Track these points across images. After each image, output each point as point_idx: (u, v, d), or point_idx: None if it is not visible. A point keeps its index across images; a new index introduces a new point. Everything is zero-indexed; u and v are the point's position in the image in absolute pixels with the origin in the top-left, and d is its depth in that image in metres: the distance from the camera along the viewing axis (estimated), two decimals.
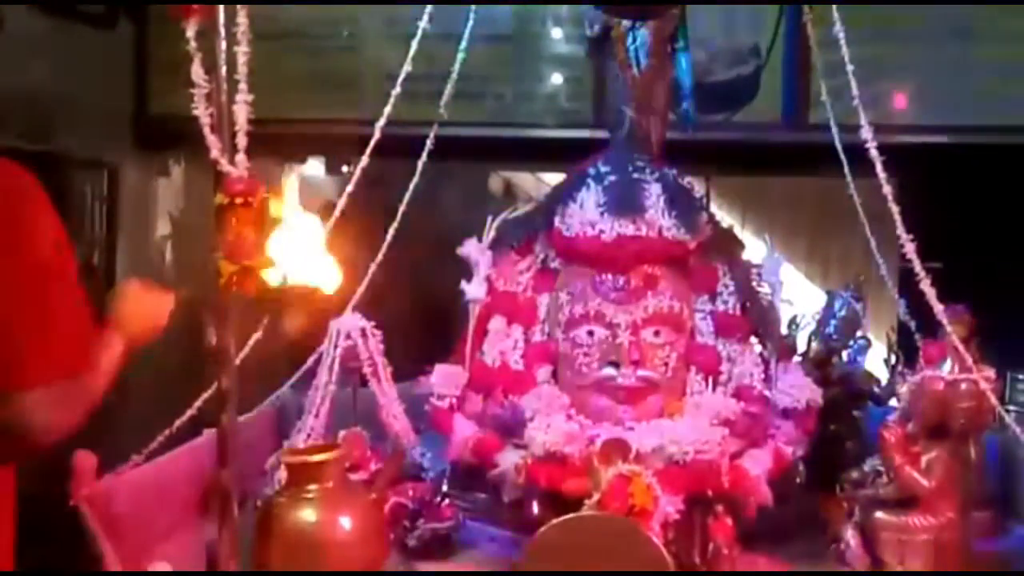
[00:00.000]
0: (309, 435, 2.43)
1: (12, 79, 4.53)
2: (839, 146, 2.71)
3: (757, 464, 2.31)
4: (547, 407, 2.35)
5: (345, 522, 1.90)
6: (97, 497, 2.13)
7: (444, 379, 2.56)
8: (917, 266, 2.35)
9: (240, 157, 1.75)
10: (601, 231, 2.50)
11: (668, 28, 2.63)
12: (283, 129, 3.49)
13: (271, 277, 1.92)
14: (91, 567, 2.05)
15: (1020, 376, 3.38)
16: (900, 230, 2.39)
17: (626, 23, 2.58)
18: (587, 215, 2.53)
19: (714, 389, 2.47)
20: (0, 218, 1.74)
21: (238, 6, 1.76)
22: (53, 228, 1.79)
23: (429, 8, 2.68)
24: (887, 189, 2.41)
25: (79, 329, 1.76)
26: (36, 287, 1.73)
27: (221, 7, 1.74)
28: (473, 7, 2.88)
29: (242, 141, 1.76)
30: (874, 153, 2.44)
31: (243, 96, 1.76)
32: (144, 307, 2.19)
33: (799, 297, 2.74)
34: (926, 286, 2.32)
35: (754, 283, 2.61)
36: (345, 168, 6.56)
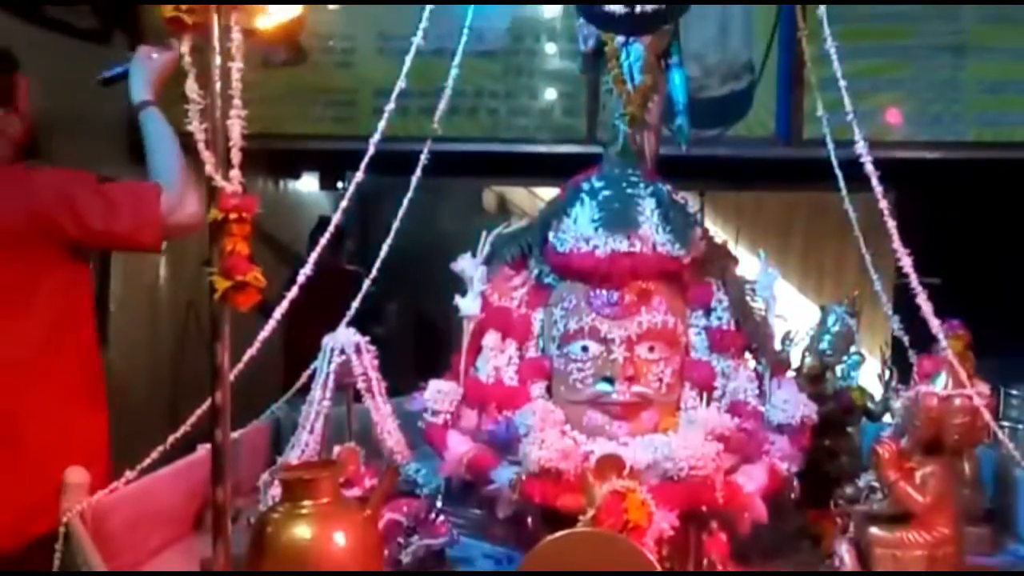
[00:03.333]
0: (303, 451, 2.43)
1: None
2: (834, 161, 2.71)
3: (751, 480, 2.31)
4: (541, 423, 2.35)
5: (339, 538, 1.90)
6: (89, 514, 2.13)
7: (438, 395, 2.56)
8: (914, 281, 2.36)
9: (234, 172, 1.75)
10: (595, 246, 2.50)
11: (662, 43, 2.63)
12: (277, 144, 3.49)
13: None
14: None
15: (1014, 391, 3.38)
16: (896, 244, 2.40)
17: (620, 39, 2.59)
18: (581, 230, 2.53)
19: (708, 405, 2.47)
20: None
21: (232, 23, 1.76)
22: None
23: (423, 24, 2.68)
24: (883, 204, 2.42)
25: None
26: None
27: (215, 23, 1.74)
28: (467, 23, 2.87)
29: (236, 156, 1.76)
30: (869, 168, 2.44)
31: (237, 111, 1.76)
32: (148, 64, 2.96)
33: (793, 312, 2.73)
34: (923, 301, 2.32)
35: (748, 298, 2.61)
36: (339, 184, 6.59)
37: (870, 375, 2.78)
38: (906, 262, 2.36)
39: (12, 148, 2.93)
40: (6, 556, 2.46)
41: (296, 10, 2.56)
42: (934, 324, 2.30)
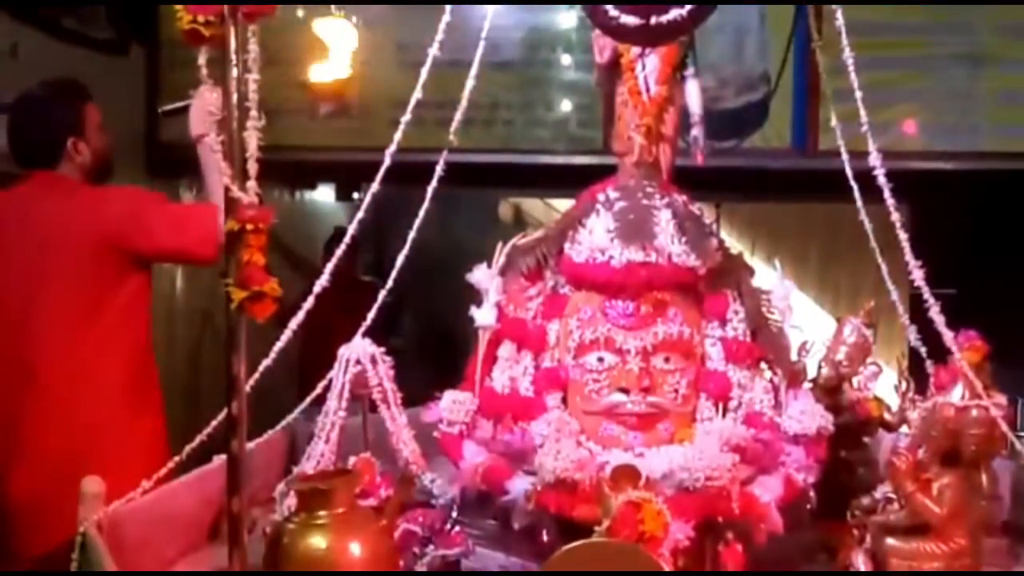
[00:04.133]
0: (319, 461, 2.43)
1: None
2: (849, 173, 2.71)
3: (767, 491, 2.30)
4: (557, 433, 2.35)
5: (355, 548, 1.90)
6: (105, 523, 2.13)
7: (453, 405, 2.56)
8: (926, 293, 2.35)
9: (251, 184, 1.76)
10: (611, 257, 2.50)
11: (677, 55, 2.64)
12: (293, 156, 3.50)
13: None
14: None
15: None
16: (908, 257, 2.40)
17: (635, 50, 2.59)
18: (597, 241, 2.53)
19: (724, 415, 2.47)
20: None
21: (249, 33, 1.77)
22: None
23: (439, 36, 2.69)
24: (895, 216, 2.41)
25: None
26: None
27: (232, 35, 1.75)
28: (483, 34, 2.88)
29: (253, 168, 1.77)
30: (883, 180, 2.44)
31: (254, 123, 1.77)
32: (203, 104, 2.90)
33: (809, 323, 2.73)
34: (936, 314, 2.32)
35: (764, 309, 2.61)
36: (355, 195, 6.60)
37: (887, 386, 2.77)
38: (917, 275, 2.36)
39: (81, 173, 3.21)
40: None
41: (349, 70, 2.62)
42: (947, 336, 2.30)
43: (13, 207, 3.16)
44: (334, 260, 2.59)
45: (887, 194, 2.44)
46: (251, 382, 2.08)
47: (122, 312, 3.12)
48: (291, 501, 2.25)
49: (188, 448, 2.36)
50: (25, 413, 3.01)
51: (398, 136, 2.65)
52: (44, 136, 3.21)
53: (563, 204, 2.82)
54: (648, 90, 2.60)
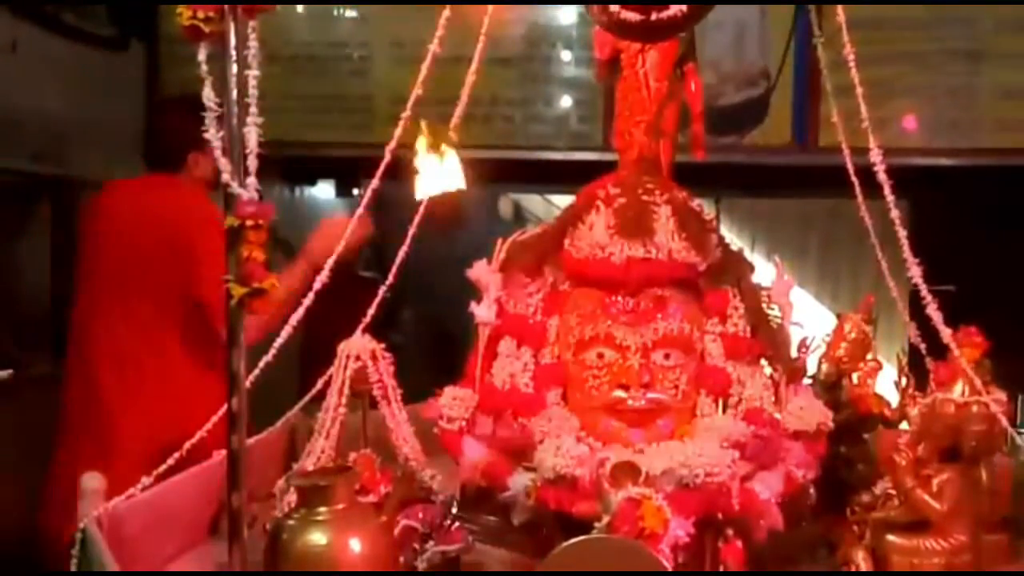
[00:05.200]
0: (319, 457, 2.43)
1: (25, 101, 4.56)
2: (850, 168, 2.71)
3: (768, 487, 2.30)
4: (557, 429, 2.35)
5: (355, 544, 1.90)
6: (106, 520, 2.13)
7: (453, 402, 2.56)
8: (924, 290, 2.36)
9: (251, 180, 1.76)
10: (611, 253, 2.49)
11: (678, 51, 2.63)
12: (294, 152, 3.52)
13: None
14: None
15: None
16: (907, 254, 2.40)
17: (636, 46, 2.59)
18: (596, 237, 2.53)
19: (724, 412, 2.47)
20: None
21: (249, 29, 1.77)
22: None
23: (439, 31, 2.69)
24: (895, 213, 2.41)
25: None
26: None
27: (232, 31, 1.75)
28: (483, 30, 2.88)
29: (252, 164, 1.77)
30: (883, 176, 2.44)
31: (253, 119, 1.77)
32: (324, 234, 3.37)
33: (809, 319, 2.73)
34: (933, 311, 2.32)
35: (764, 305, 2.61)
36: (355, 191, 6.60)
37: (887, 382, 2.78)
38: (915, 272, 2.36)
39: (201, 185, 3.54)
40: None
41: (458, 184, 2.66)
42: (945, 333, 2.30)
43: (127, 198, 3.59)
44: (334, 256, 2.59)
45: (887, 191, 2.44)
46: (251, 378, 2.09)
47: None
48: (291, 497, 2.25)
49: (188, 444, 2.37)
50: (125, 398, 3.39)
51: (398, 132, 2.65)
52: (169, 144, 3.55)
53: (563, 200, 2.81)
54: (648, 86, 2.60)
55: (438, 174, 2.69)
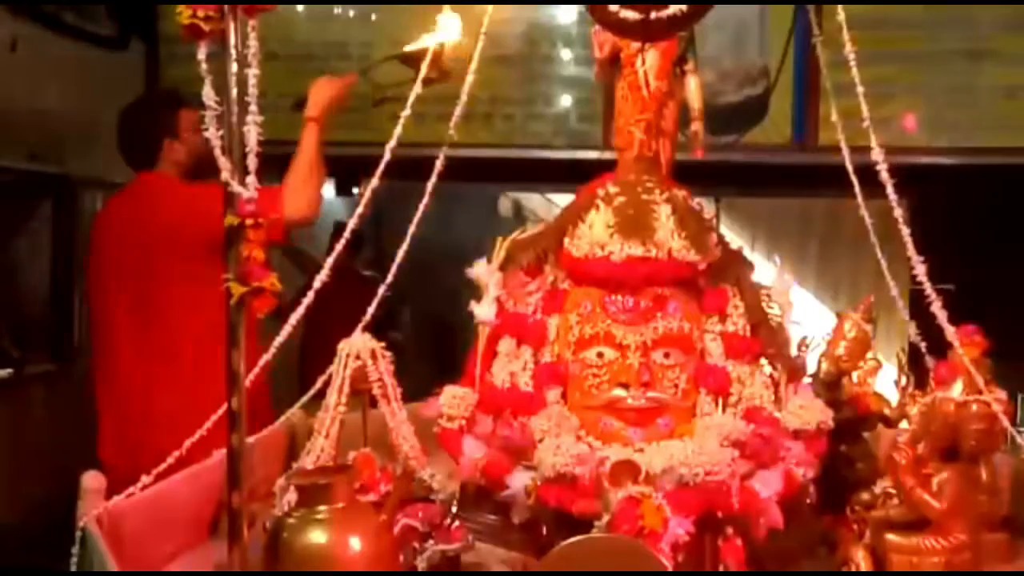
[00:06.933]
0: (319, 456, 2.43)
1: (25, 101, 4.57)
2: (849, 167, 2.71)
3: (767, 486, 2.30)
4: (557, 428, 2.35)
5: (355, 543, 1.90)
6: (106, 518, 2.13)
7: (453, 400, 2.56)
8: (927, 288, 2.36)
9: (251, 178, 1.76)
10: (610, 252, 2.49)
11: (677, 49, 2.63)
12: (292, 150, 3.52)
13: None
14: None
15: None
16: (911, 252, 2.40)
17: (635, 45, 2.59)
18: (596, 236, 2.53)
19: (724, 410, 2.47)
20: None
21: (249, 28, 1.77)
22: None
23: (439, 29, 2.69)
24: (897, 212, 2.41)
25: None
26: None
27: (232, 29, 1.75)
28: (483, 29, 2.87)
29: (253, 162, 1.77)
30: (884, 176, 2.44)
31: (253, 117, 1.77)
32: (323, 89, 3.57)
33: (809, 318, 2.73)
34: (937, 309, 2.32)
35: (764, 304, 2.61)
36: (355, 189, 6.60)
37: (887, 381, 2.78)
38: (920, 270, 2.36)
39: (178, 171, 3.74)
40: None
41: (450, 35, 2.75)
42: (948, 331, 2.30)
43: (124, 209, 3.73)
44: (334, 255, 2.59)
45: (889, 190, 2.44)
46: (251, 377, 2.09)
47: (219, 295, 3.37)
48: (291, 496, 2.25)
49: (188, 442, 2.37)
50: (161, 398, 3.51)
51: (398, 131, 2.65)
52: (142, 138, 3.75)
53: (563, 199, 2.81)
54: (648, 85, 2.60)
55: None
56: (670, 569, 1.93)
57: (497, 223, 7.23)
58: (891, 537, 2.24)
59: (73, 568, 2.09)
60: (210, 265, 3.33)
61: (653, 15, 2.26)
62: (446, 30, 2.91)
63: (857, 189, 2.71)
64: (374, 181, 2.65)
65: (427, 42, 2.93)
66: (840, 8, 2.57)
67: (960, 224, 5.57)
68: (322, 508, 1.92)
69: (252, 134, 1.77)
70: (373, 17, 5.73)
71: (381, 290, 2.78)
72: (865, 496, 2.46)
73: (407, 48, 3.07)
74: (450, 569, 2.28)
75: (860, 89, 2.50)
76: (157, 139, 3.74)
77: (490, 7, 2.90)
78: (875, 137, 2.47)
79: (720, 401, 2.48)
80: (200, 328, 3.47)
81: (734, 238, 2.94)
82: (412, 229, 2.79)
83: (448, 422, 2.55)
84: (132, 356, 3.62)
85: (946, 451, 2.25)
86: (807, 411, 2.46)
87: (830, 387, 2.69)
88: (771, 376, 2.57)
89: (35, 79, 4.63)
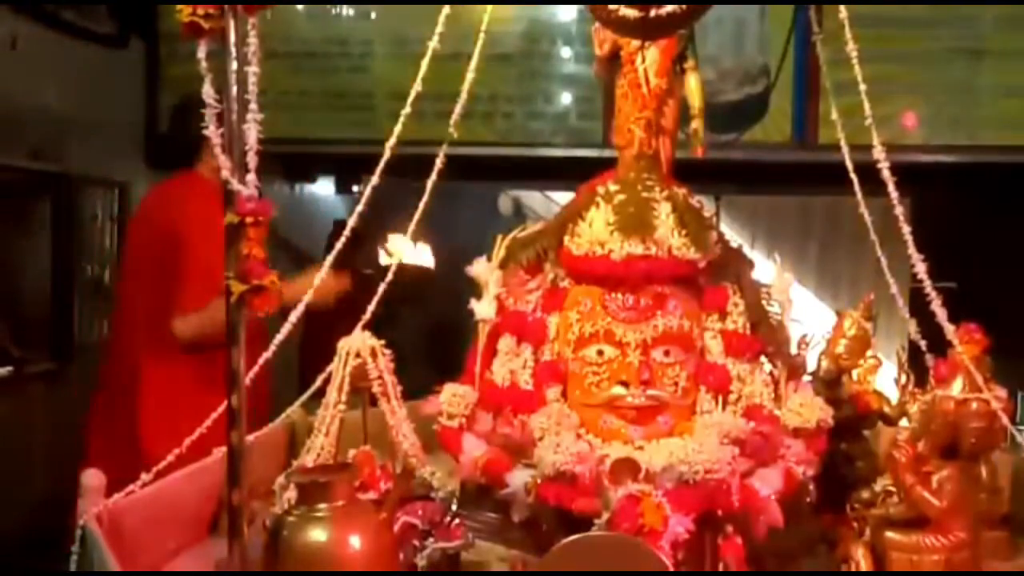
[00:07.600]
0: (319, 454, 2.43)
1: (25, 98, 4.56)
2: (849, 166, 2.71)
3: (767, 484, 2.30)
4: (557, 426, 2.35)
5: (355, 541, 1.90)
6: (106, 516, 2.13)
7: (453, 398, 2.56)
8: (928, 286, 2.36)
9: (251, 177, 1.76)
10: (610, 250, 2.49)
11: (677, 47, 2.63)
12: (293, 148, 3.52)
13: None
14: None
15: None
16: (911, 250, 2.40)
17: (635, 43, 2.59)
18: (596, 234, 2.53)
19: (724, 408, 2.47)
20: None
21: (249, 26, 1.77)
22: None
23: (439, 28, 2.69)
24: (899, 210, 2.41)
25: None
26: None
27: (232, 27, 1.75)
28: (483, 27, 2.87)
29: (252, 160, 1.77)
30: (886, 174, 2.44)
31: (253, 115, 1.77)
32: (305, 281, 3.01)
33: (809, 316, 2.73)
34: (937, 307, 2.32)
35: (764, 302, 2.61)
36: (355, 187, 6.61)
37: (887, 379, 2.78)
38: (920, 268, 2.36)
39: (215, 175, 3.49)
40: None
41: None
42: (948, 329, 2.30)
43: (152, 204, 3.83)
44: (334, 253, 2.60)
45: (891, 188, 2.44)
46: (251, 375, 2.09)
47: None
48: (291, 494, 2.25)
49: (188, 441, 2.37)
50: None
51: (398, 129, 2.65)
52: (186, 138, 3.56)
53: (563, 197, 2.81)
54: (648, 83, 2.60)
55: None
56: (670, 567, 1.92)
57: (497, 221, 7.22)
58: (891, 535, 2.24)
59: (73, 567, 2.09)
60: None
61: (653, 13, 2.25)
62: (401, 252, 2.96)
63: (857, 187, 2.71)
64: (375, 179, 2.65)
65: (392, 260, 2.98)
66: (842, 7, 2.57)
67: (960, 221, 5.57)
68: (322, 506, 1.92)
69: (252, 132, 1.77)
70: (373, 15, 5.73)
71: (381, 289, 2.78)
72: (865, 494, 2.46)
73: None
74: (450, 567, 2.27)
75: (862, 87, 2.50)
76: (200, 139, 3.70)
77: (490, 6, 2.91)
78: (876, 135, 2.47)
79: (720, 399, 2.49)
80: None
81: (734, 236, 2.93)
82: (412, 227, 2.80)
83: (448, 420, 2.55)
84: (148, 346, 3.61)
85: (946, 449, 2.25)
86: (807, 409, 2.46)
87: (830, 385, 2.69)
88: (771, 374, 2.57)
89: (35, 77, 4.63)
